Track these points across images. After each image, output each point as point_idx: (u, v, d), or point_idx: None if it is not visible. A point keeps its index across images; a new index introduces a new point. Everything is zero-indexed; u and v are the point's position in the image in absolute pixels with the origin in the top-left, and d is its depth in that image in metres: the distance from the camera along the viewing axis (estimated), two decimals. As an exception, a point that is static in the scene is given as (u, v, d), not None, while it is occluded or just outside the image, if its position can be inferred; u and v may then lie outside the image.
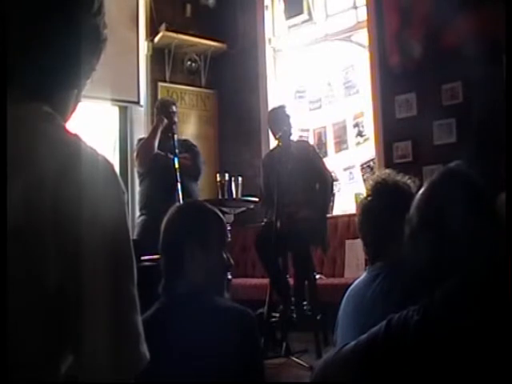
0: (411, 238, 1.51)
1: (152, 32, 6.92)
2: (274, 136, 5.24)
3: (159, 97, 6.77)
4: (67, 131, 1.10)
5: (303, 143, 5.55)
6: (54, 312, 1.01)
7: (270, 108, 6.09)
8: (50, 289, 1.00)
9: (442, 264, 1.42)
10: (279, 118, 5.16)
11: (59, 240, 0.99)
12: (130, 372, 1.05)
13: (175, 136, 4.98)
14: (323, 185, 5.06)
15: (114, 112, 6.91)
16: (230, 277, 2.24)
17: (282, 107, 5.35)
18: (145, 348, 1.07)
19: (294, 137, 5.37)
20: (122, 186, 1.08)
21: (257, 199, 5.15)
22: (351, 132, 6.51)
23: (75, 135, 1.09)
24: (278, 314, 4.65)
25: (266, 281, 4.82)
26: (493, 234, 1.41)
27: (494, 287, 1.33)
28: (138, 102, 6.84)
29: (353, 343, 1.43)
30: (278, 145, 5.16)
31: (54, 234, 0.99)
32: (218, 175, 5.19)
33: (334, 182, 5.63)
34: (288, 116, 5.17)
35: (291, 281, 4.82)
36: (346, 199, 6.39)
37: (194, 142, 5.61)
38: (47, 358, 1.04)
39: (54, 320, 1.02)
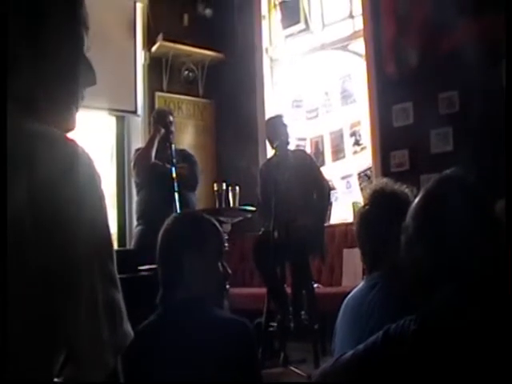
0: (407, 246, 1.50)
1: (149, 41, 6.93)
2: (272, 145, 5.24)
3: (156, 106, 6.79)
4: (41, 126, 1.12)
5: (300, 152, 5.55)
6: (37, 298, 1.02)
7: (267, 117, 6.10)
8: (31, 273, 1.00)
9: (439, 273, 1.42)
10: (276, 128, 5.16)
11: (37, 224, 1.00)
12: (114, 350, 1.06)
13: (172, 146, 4.98)
14: (321, 194, 5.06)
15: (111, 121, 6.92)
16: (227, 286, 2.23)
17: (279, 117, 5.35)
18: (128, 326, 1.08)
19: (292, 146, 5.37)
20: (95, 168, 1.09)
21: (254, 208, 5.15)
22: (348, 141, 6.52)
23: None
24: (275, 324, 4.64)
25: (263, 290, 4.81)
26: (491, 242, 1.40)
27: (493, 296, 1.33)
28: (135, 112, 6.85)
29: (350, 353, 1.43)
30: (275, 154, 5.16)
31: (32, 219, 1.00)
32: (215, 185, 5.19)
33: (332, 191, 5.63)
34: (285, 125, 5.16)
35: (289, 290, 4.81)
36: (344, 208, 6.38)
37: (192, 152, 5.61)
38: (38, 351, 1.04)
39: (37, 305, 1.02)
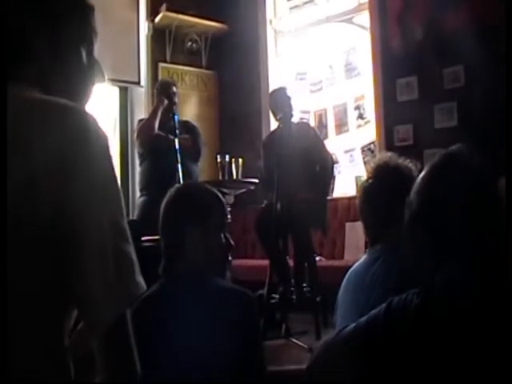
0: (411, 221, 1.50)
1: (152, 12, 6.87)
2: (275, 118, 5.24)
3: (160, 77, 6.75)
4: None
5: (304, 125, 5.54)
6: (46, 252, 1.05)
7: (270, 90, 6.08)
8: (42, 226, 1.04)
9: (442, 248, 1.42)
10: (280, 100, 5.15)
11: (49, 181, 1.04)
12: (127, 301, 1.09)
13: (176, 117, 4.96)
14: (324, 167, 5.06)
15: (114, 92, 6.90)
16: (230, 258, 2.23)
17: (283, 89, 5.35)
18: (140, 277, 1.11)
19: (295, 119, 5.36)
20: (104, 134, 1.17)
21: (257, 180, 5.15)
22: (352, 114, 6.50)
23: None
24: (277, 296, 4.66)
25: (265, 262, 4.83)
26: (494, 218, 1.40)
27: (495, 272, 1.33)
28: (138, 83, 6.83)
29: (353, 325, 1.44)
30: (278, 126, 5.16)
31: (44, 176, 1.04)
32: (218, 156, 5.19)
33: (335, 165, 5.63)
34: (289, 98, 5.16)
35: (291, 262, 4.83)
36: (347, 182, 6.39)
37: (195, 123, 5.60)
38: (48, 309, 1.07)
39: (47, 260, 1.06)
